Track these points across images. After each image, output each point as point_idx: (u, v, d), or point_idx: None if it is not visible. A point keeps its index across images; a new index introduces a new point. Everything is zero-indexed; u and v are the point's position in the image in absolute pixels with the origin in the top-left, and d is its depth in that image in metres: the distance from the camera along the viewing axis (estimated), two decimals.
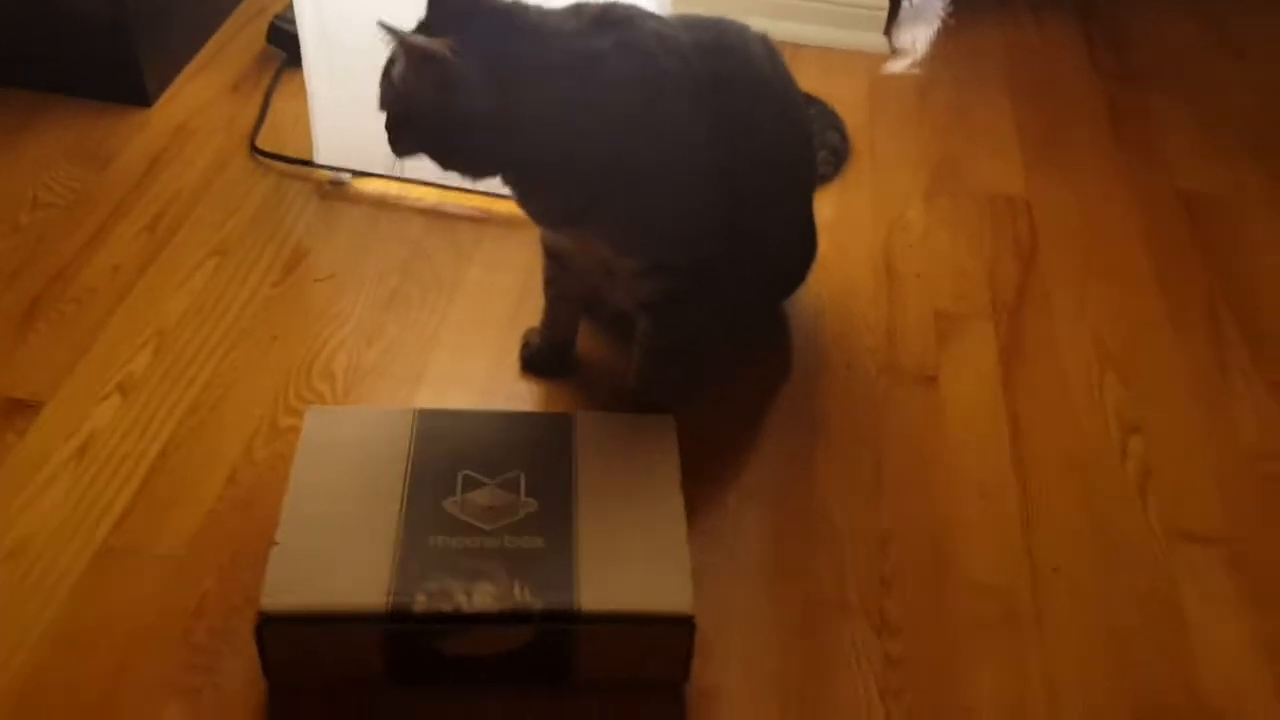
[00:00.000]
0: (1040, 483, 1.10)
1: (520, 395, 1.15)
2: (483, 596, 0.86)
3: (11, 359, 1.14)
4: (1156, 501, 1.09)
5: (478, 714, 0.89)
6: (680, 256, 1.04)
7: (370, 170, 1.38)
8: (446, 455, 0.96)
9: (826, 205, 1.34)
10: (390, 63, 0.94)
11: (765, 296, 1.22)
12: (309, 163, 1.39)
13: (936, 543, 1.04)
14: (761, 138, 1.05)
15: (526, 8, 0.95)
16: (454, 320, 1.23)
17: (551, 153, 0.95)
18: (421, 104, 0.92)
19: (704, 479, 1.05)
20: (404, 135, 0.95)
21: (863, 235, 1.37)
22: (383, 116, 0.96)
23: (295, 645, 0.86)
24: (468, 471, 0.95)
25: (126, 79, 1.46)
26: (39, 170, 1.37)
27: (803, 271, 1.21)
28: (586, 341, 1.19)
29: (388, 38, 0.89)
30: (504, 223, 1.34)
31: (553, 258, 1.11)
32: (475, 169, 0.98)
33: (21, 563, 0.96)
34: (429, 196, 1.38)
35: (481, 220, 1.35)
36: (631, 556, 0.90)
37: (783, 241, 1.16)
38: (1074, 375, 1.21)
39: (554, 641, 0.88)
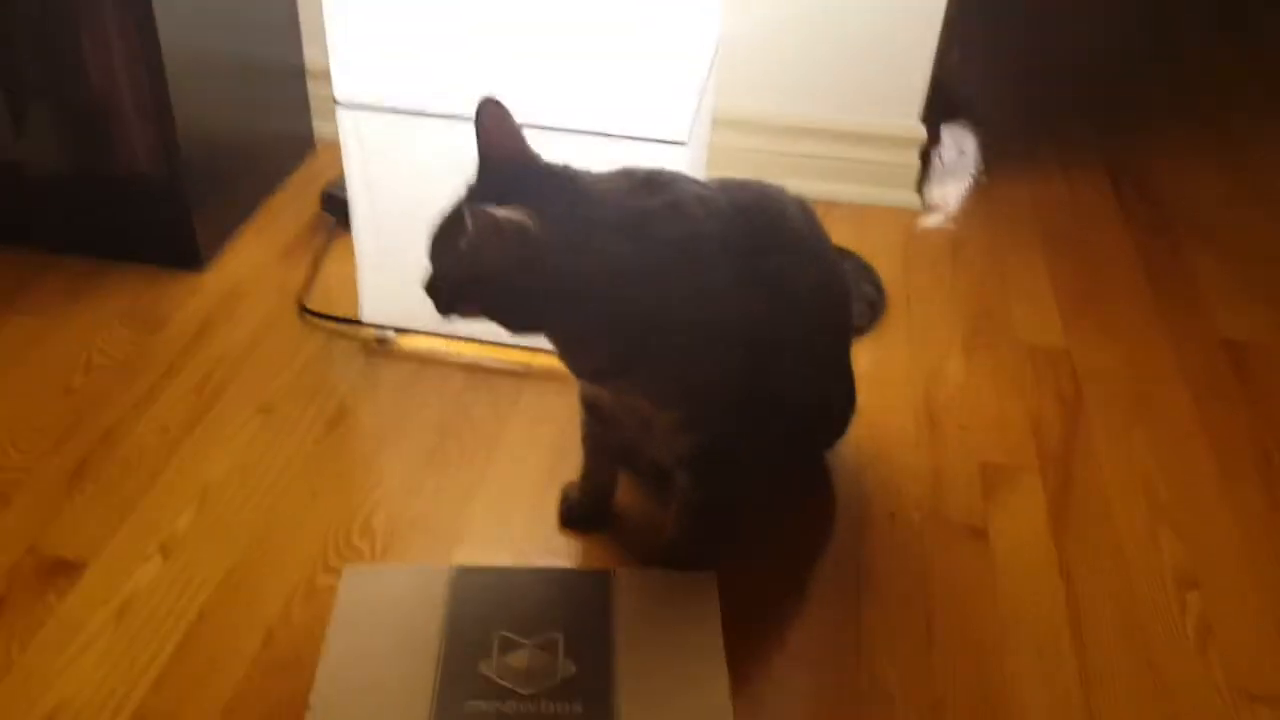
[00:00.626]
0: (1097, 640, 1.06)
1: (558, 550, 1.14)
2: None
3: (58, 519, 1.15)
4: (1219, 659, 1.05)
5: None
6: (718, 412, 1.04)
7: (414, 327, 1.41)
8: (483, 616, 0.95)
9: (864, 357, 1.34)
10: (450, 230, 0.96)
11: (806, 450, 1.22)
12: (356, 321, 1.42)
13: (993, 706, 1.00)
14: (799, 294, 1.06)
15: (577, 170, 0.98)
16: (493, 475, 1.23)
17: (599, 308, 0.97)
18: (495, 270, 0.94)
19: (747, 638, 1.03)
20: (463, 298, 0.97)
21: (901, 387, 1.37)
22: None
23: None
24: (505, 633, 0.94)
25: (181, 244, 1.52)
26: (93, 334, 1.41)
27: (843, 424, 1.21)
28: (625, 495, 1.18)
29: (466, 212, 0.91)
30: (543, 376, 1.35)
31: (592, 412, 1.12)
32: (528, 326, 0.99)
33: None
34: (469, 352, 1.40)
35: (521, 375, 1.37)
36: None
37: (822, 395, 1.16)
38: (1126, 528, 1.19)
39: None
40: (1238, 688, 1.02)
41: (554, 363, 1.05)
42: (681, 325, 0.99)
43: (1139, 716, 0.99)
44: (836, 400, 1.19)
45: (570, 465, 1.19)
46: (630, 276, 0.96)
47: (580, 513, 1.16)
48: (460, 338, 1.39)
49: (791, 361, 1.07)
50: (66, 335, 1.41)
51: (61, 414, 1.28)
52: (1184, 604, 1.10)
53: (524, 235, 0.90)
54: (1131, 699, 1.01)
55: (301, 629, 1.05)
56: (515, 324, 0.98)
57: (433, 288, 0.98)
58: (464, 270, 0.95)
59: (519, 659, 0.91)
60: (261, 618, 1.06)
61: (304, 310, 1.46)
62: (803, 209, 1.11)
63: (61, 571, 1.09)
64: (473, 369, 1.38)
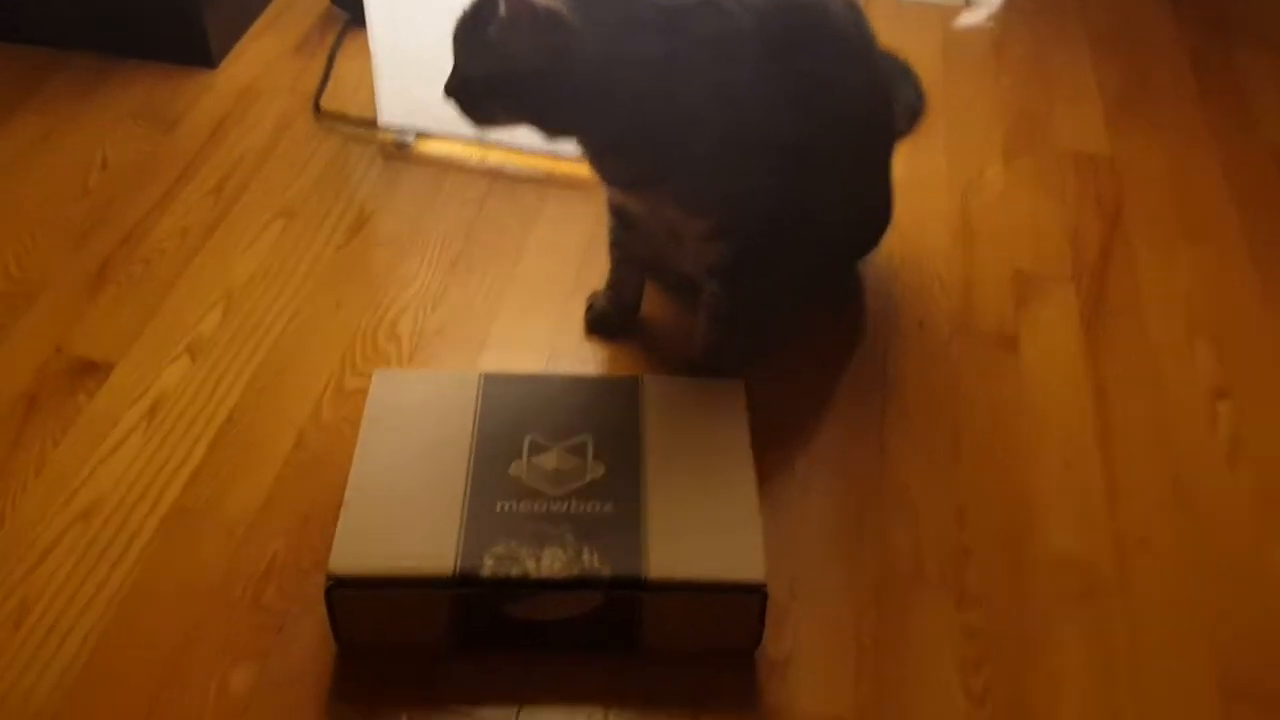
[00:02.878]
0: (1125, 451, 1.06)
1: (585, 358, 1.13)
2: (551, 561, 0.85)
3: (83, 320, 1.15)
4: (1247, 470, 1.05)
5: (544, 678, 0.88)
6: (750, 220, 1.01)
7: (435, 131, 1.36)
8: (512, 419, 0.95)
9: (900, 163, 1.29)
10: (477, 20, 0.91)
11: (840, 259, 1.19)
12: (373, 124, 1.38)
13: (1016, 513, 1.01)
14: (839, 97, 1.01)
15: None
16: (518, 282, 1.21)
17: (630, 111, 0.92)
18: (525, 63, 0.89)
19: (775, 445, 1.03)
20: (490, 96, 0.93)
21: (938, 194, 1.33)
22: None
23: (364, 609, 0.86)
24: (534, 436, 0.94)
25: (192, 40, 1.46)
26: (106, 133, 1.37)
27: (879, 232, 1.17)
28: (651, 305, 1.17)
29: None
30: (568, 184, 1.32)
31: (619, 220, 1.09)
32: (557, 128, 0.95)
33: (93, 523, 0.97)
34: (491, 157, 1.36)
35: (544, 181, 1.33)
36: (702, 523, 0.88)
37: (859, 202, 1.13)
38: (1161, 340, 1.17)
39: (622, 609, 0.86)
40: (1262, 497, 1.02)
41: (579, 170, 1.02)
42: (714, 127, 0.94)
43: (1163, 524, 1.00)
44: (873, 208, 1.15)
45: (596, 273, 1.17)
46: (662, 74, 0.92)
47: (607, 320, 1.15)
48: (482, 143, 1.34)
49: (828, 168, 1.03)
50: (79, 134, 1.37)
51: (80, 214, 1.26)
52: (1215, 416, 1.09)
53: (557, 22, 0.86)
54: (1156, 508, 1.01)
55: (332, 429, 1.06)
56: (543, 125, 0.94)
57: (457, 87, 0.93)
58: (492, 64, 0.91)
59: (548, 461, 0.92)
60: (291, 418, 1.07)
61: (319, 111, 1.41)
62: (849, 7, 1.04)
63: (89, 372, 1.10)
64: (495, 175, 1.34)
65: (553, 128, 0.95)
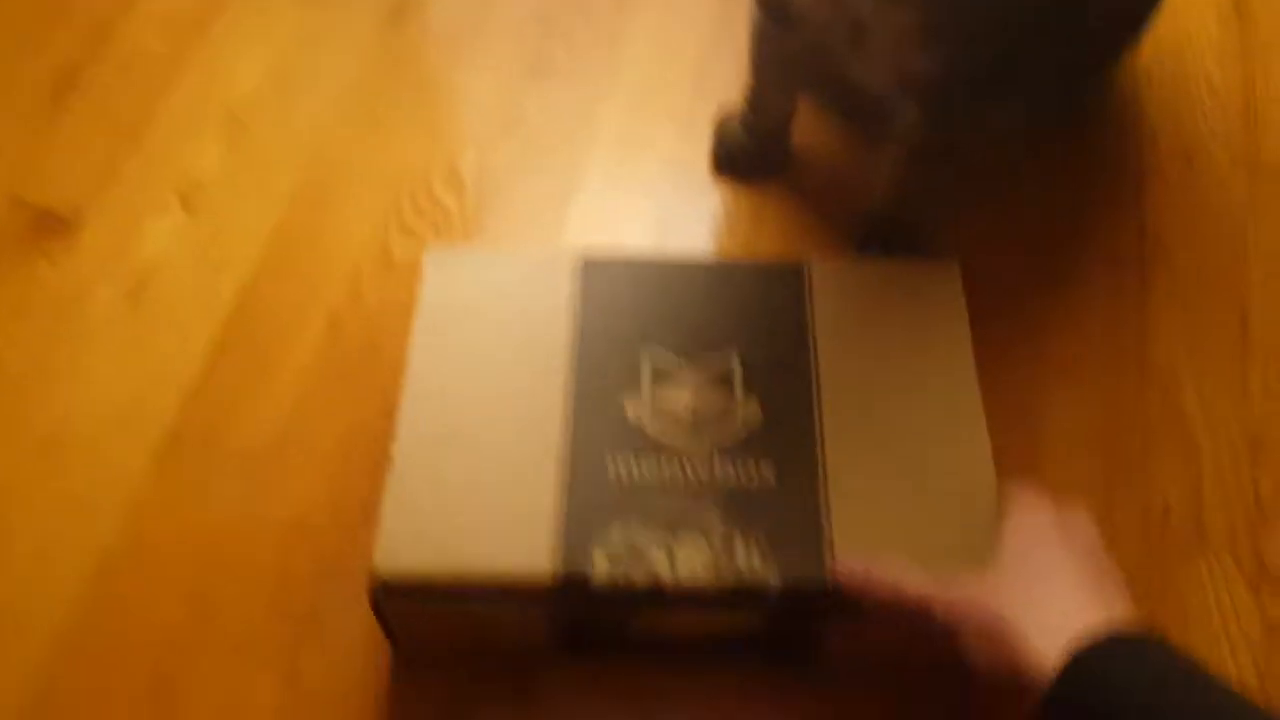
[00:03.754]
0: None
1: (711, 213, 0.82)
2: (690, 560, 0.58)
3: (41, 153, 0.85)
4: None
5: (681, 696, 0.63)
6: (973, 13, 0.66)
7: None
8: (624, 329, 0.66)
9: None
10: None
11: (1082, 70, 0.83)
12: None
13: None
14: None
15: None
16: (617, 97, 0.89)
17: None
18: None
19: (992, 344, 0.72)
20: None
21: None
22: None
23: (424, 618, 0.61)
24: (657, 356, 0.65)
25: None
26: None
27: (1138, 28, 0.81)
28: (805, 135, 0.84)
29: None
30: None
31: (771, 7, 0.75)
32: None
33: (61, 458, 0.72)
34: None
35: None
36: (913, 493, 0.60)
37: None
38: None
39: (794, 626, 0.60)
40: None
41: None
42: None
43: None
44: None
45: (723, 82, 0.84)
46: None
47: (743, 154, 0.83)
48: None
49: None
50: None
51: (29, 5, 0.94)
52: None
53: None
54: None
55: (377, 314, 0.78)
56: None
57: None
58: None
59: (679, 398, 0.63)
60: (322, 297, 0.79)
61: None
62: None
63: (51, 229, 0.82)
64: None
65: None
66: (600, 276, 0.68)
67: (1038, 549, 0.53)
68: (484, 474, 0.61)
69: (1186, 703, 0.45)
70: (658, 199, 0.83)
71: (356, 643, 0.65)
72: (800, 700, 0.63)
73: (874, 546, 0.58)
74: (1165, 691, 0.45)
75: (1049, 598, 0.50)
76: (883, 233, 0.76)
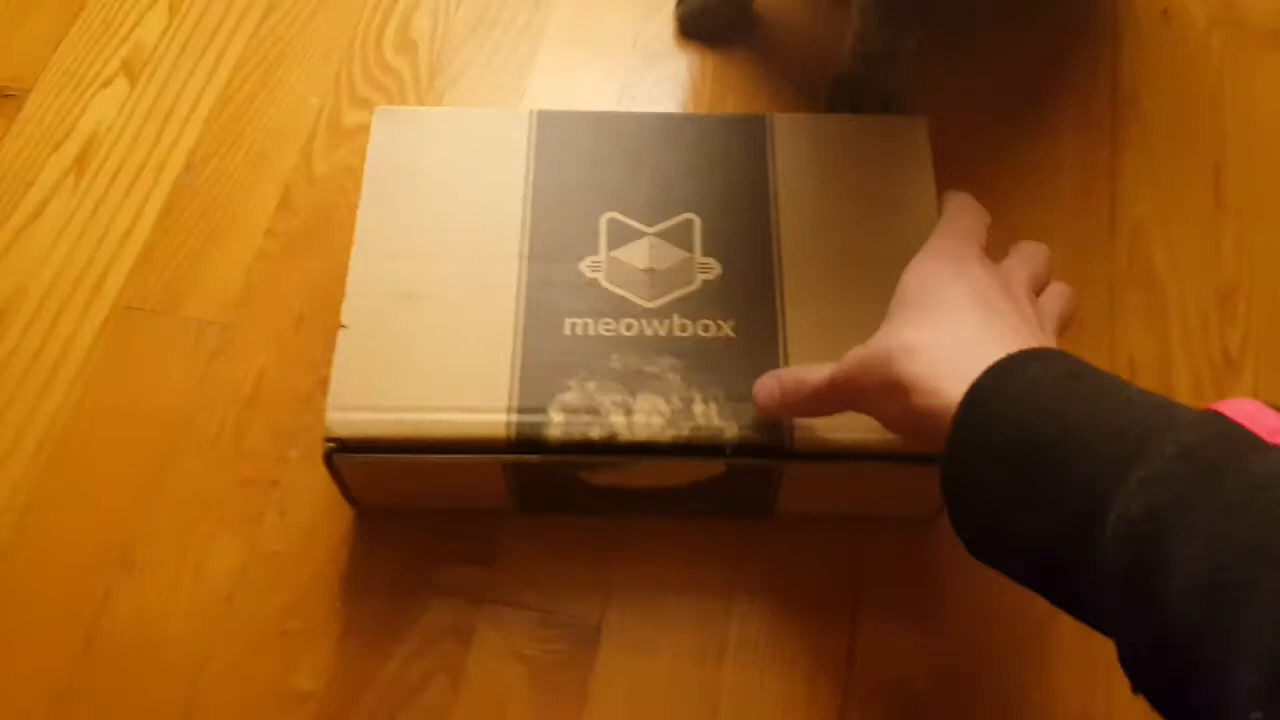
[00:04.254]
0: None
1: (675, 77, 0.80)
2: (649, 416, 0.57)
3: None
4: None
5: (638, 546, 0.63)
6: None
7: None
8: (580, 186, 0.64)
9: None
10: None
11: None
12: None
13: None
14: None
15: None
16: None
17: None
18: None
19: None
20: None
21: None
22: None
23: (381, 475, 0.60)
24: (614, 214, 0.63)
25: None
26: None
27: None
28: None
29: None
30: None
31: None
32: None
33: (11, 328, 0.70)
34: None
35: None
36: None
37: None
38: None
39: (750, 479, 0.59)
40: None
41: None
42: None
43: None
44: None
45: None
46: None
47: (707, 17, 0.80)
48: None
49: None
50: None
51: None
52: None
53: None
54: None
55: (328, 184, 0.76)
56: None
57: None
58: None
59: (637, 253, 0.62)
60: (272, 170, 0.77)
61: None
62: None
63: None
64: None
65: None
66: (555, 130, 0.66)
67: (934, 293, 0.50)
68: (437, 332, 0.59)
69: (1096, 407, 0.41)
70: (620, 63, 0.80)
71: (317, 506, 0.64)
72: (759, 550, 0.63)
73: None
74: (1072, 399, 0.42)
75: (951, 338, 0.47)
76: (851, 93, 0.74)
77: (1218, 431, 0.38)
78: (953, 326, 0.48)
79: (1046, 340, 0.49)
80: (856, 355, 0.50)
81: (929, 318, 0.49)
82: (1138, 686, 0.38)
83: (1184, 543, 0.35)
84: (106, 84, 0.80)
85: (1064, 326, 0.54)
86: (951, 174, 0.66)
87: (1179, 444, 0.37)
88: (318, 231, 0.74)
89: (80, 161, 0.77)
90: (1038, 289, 0.53)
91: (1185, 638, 0.35)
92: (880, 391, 0.48)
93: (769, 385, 0.55)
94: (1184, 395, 0.67)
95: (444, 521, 0.64)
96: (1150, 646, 0.36)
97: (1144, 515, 0.37)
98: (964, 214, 0.55)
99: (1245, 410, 0.38)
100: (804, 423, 0.56)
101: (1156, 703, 0.37)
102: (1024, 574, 0.44)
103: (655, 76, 0.80)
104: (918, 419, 0.46)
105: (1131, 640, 0.37)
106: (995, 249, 0.55)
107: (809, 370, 0.53)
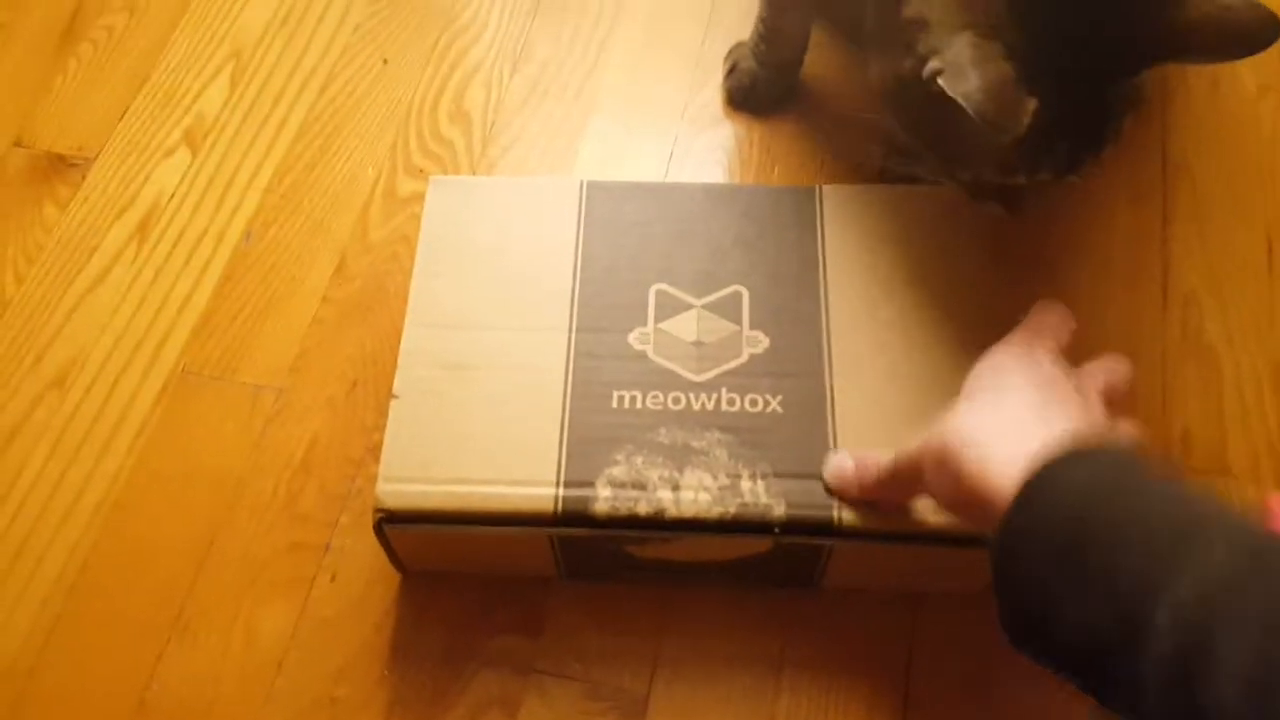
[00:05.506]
0: None
1: (724, 145, 0.81)
2: (695, 493, 0.57)
3: (47, 98, 0.85)
4: None
5: (689, 619, 0.63)
6: None
7: None
8: (630, 257, 0.65)
9: None
10: None
11: None
12: None
13: None
14: None
15: None
16: (627, 29, 0.87)
17: None
18: None
19: (1011, 277, 0.70)
20: None
21: None
22: None
23: (430, 545, 0.61)
24: (663, 285, 0.64)
25: None
26: None
27: None
28: (816, 67, 0.82)
29: None
30: None
31: None
32: None
33: (72, 393, 0.72)
34: None
35: None
36: (923, 428, 0.58)
37: None
38: None
39: (798, 556, 0.59)
40: None
41: None
42: None
43: None
44: None
45: (737, 16, 0.82)
46: None
47: (757, 87, 0.81)
48: None
49: None
50: None
51: None
52: None
53: None
54: None
55: (382, 252, 0.77)
56: None
57: None
58: None
59: (685, 326, 0.62)
60: (329, 237, 0.78)
61: None
62: None
63: (59, 172, 0.81)
64: None
65: None
66: (605, 201, 0.67)
67: (998, 381, 0.50)
68: (487, 404, 0.60)
69: (1147, 503, 0.41)
70: (669, 134, 0.82)
71: (367, 571, 0.65)
72: (807, 623, 0.63)
73: None
74: (1124, 494, 0.42)
75: (1007, 424, 0.47)
76: (905, 162, 0.74)
77: (1270, 528, 0.38)
78: (1010, 409, 0.48)
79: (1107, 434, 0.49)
80: (923, 437, 0.50)
81: (989, 402, 0.49)
82: None
83: (1236, 634, 0.35)
84: (169, 154, 0.82)
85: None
86: (1004, 247, 0.66)
87: (1230, 543, 0.38)
88: (372, 298, 0.75)
89: (142, 229, 0.79)
90: (1111, 398, 0.53)
91: None
92: (935, 474, 0.49)
93: (843, 465, 0.56)
94: (1240, 469, 0.66)
95: (492, 588, 0.64)
96: None
97: (1196, 602, 0.37)
98: (1047, 314, 0.56)
99: None
100: (854, 502, 0.56)
101: None
102: (1068, 664, 0.43)
103: (704, 145, 0.81)
104: (970, 501, 0.47)
105: None
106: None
107: (875, 455, 0.54)
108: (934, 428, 0.50)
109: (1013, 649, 0.45)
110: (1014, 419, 0.48)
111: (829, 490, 0.56)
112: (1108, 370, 0.54)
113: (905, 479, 0.52)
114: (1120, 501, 0.42)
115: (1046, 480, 0.43)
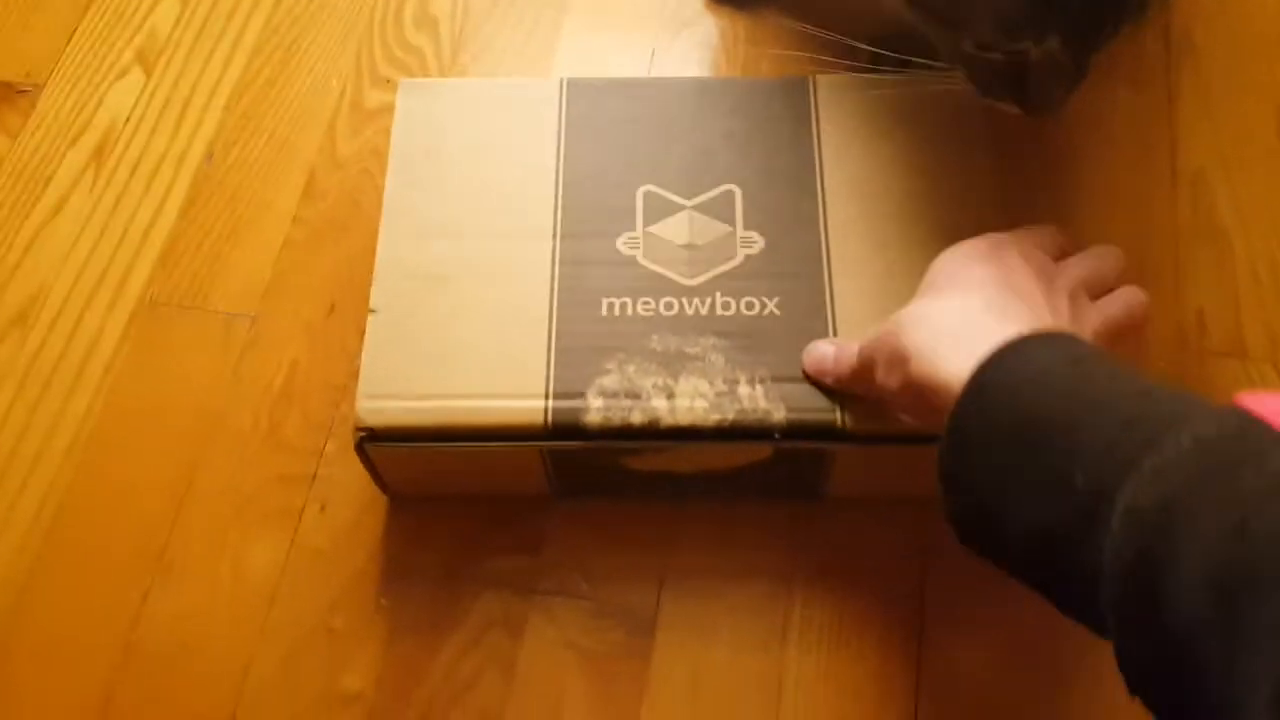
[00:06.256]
0: None
1: (707, 41, 0.77)
2: (691, 400, 0.55)
3: None
4: None
5: (691, 533, 0.61)
6: None
7: None
8: (615, 157, 0.61)
9: None
10: None
11: None
12: None
13: None
14: None
15: None
16: None
17: None
18: None
19: (1015, 167, 0.67)
20: None
21: None
22: None
23: (415, 464, 0.58)
24: (651, 186, 0.60)
25: None
26: None
27: None
28: None
29: None
30: None
31: None
32: None
33: (35, 329, 0.69)
34: None
35: None
36: None
37: None
38: None
39: (799, 462, 0.57)
40: None
41: None
42: None
43: None
44: None
45: None
46: None
47: None
48: None
49: None
50: None
51: None
52: None
53: None
54: None
55: (353, 167, 0.74)
56: None
57: None
58: None
59: (676, 228, 0.59)
60: (296, 155, 0.74)
61: None
62: None
63: (9, 101, 0.77)
64: None
65: None
66: (586, 99, 0.63)
67: (959, 275, 0.48)
68: (469, 315, 0.57)
69: (1106, 392, 0.39)
70: (648, 31, 0.77)
71: (357, 500, 0.63)
72: (815, 533, 0.60)
73: None
74: (1081, 382, 0.40)
75: (963, 321, 0.45)
76: (897, 47, 0.71)
77: (1238, 425, 0.35)
78: (965, 301, 0.46)
79: (1070, 330, 0.46)
80: (878, 330, 0.48)
81: (946, 296, 0.47)
82: (1134, 688, 0.35)
83: (1196, 537, 0.33)
84: (122, 75, 0.78)
85: (1120, 333, 0.51)
86: (1004, 133, 0.63)
87: (1196, 436, 0.35)
88: (346, 216, 0.72)
89: (98, 155, 0.75)
90: (1096, 291, 0.50)
91: (1191, 635, 0.32)
92: (886, 363, 0.47)
93: (823, 353, 0.53)
94: (1258, 350, 0.64)
95: (487, 509, 0.62)
96: (1152, 644, 0.34)
97: (1155, 506, 0.34)
98: (1033, 227, 0.53)
99: (1271, 405, 0.35)
100: (856, 403, 0.54)
101: (1154, 706, 0.35)
102: (1019, 563, 0.41)
103: (686, 42, 0.77)
104: (918, 393, 0.44)
105: (1131, 637, 0.35)
106: (1057, 215, 0.52)
107: (854, 344, 0.52)
108: (885, 322, 0.47)
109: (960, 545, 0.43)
110: (971, 315, 0.45)
111: (808, 378, 0.54)
112: (1094, 261, 0.51)
113: (864, 372, 0.50)
114: (1079, 391, 0.39)
115: (1000, 369, 0.41)
